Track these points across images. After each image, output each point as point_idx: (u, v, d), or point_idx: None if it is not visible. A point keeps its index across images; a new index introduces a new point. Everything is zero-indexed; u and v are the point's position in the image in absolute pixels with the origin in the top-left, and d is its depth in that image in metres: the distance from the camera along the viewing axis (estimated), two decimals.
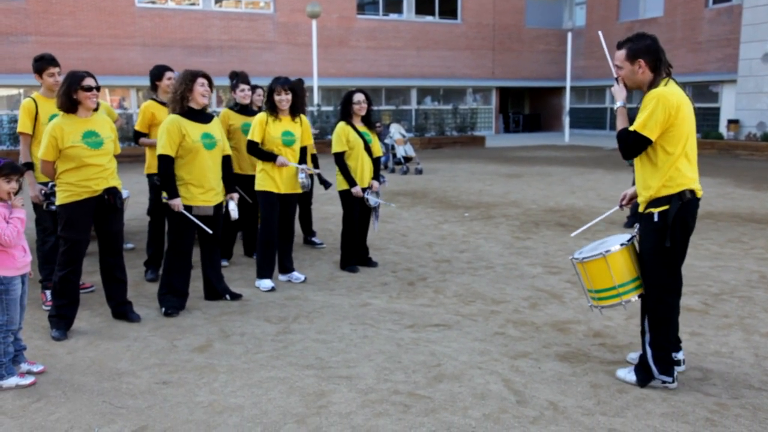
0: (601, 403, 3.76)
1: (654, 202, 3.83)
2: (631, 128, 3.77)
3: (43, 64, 5.66)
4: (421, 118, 25.37)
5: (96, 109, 4.96)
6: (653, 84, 3.84)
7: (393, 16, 26.56)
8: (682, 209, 3.79)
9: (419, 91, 27.33)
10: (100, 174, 4.88)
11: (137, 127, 6.49)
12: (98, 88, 4.89)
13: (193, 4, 23.37)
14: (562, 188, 12.58)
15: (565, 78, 25.86)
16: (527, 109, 32.11)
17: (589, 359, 4.40)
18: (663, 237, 3.80)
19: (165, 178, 5.23)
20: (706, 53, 23.84)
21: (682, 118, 3.73)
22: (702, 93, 24.07)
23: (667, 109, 3.68)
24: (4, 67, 20.06)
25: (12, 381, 4.02)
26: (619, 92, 3.97)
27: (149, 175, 6.47)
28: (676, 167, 3.77)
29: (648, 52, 3.81)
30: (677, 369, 4.06)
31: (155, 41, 22.16)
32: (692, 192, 3.81)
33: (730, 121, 20.68)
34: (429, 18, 27.20)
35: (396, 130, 15.80)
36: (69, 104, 4.80)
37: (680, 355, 4.12)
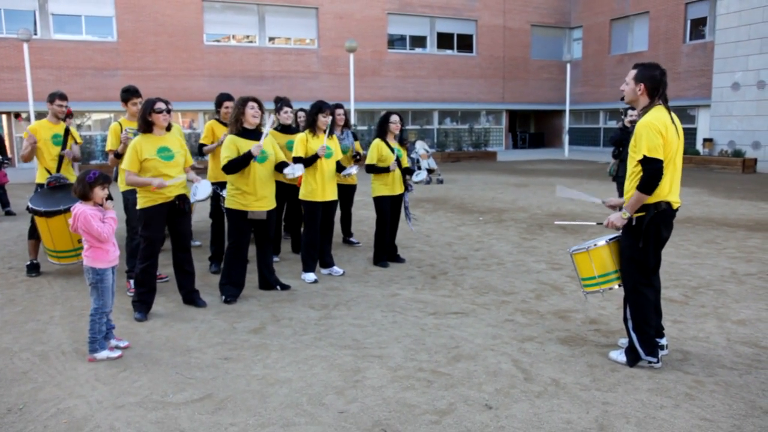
0: (596, 380, 3.71)
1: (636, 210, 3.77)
2: (639, 155, 3.63)
3: (128, 95, 5.82)
4: (442, 136, 25.28)
5: (169, 129, 5.03)
6: (646, 109, 3.77)
7: (418, 50, 26.50)
8: (656, 217, 3.73)
9: (440, 114, 27.21)
10: (174, 183, 4.95)
11: (202, 140, 6.56)
12: (169, 111, 4.94)
13: (251, 41, 23.57)
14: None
15: (564, 102, 25.62)
16: (533, 128, 31.79)
17: (586, 343, 4.35)
18: (637, 237, 3.76)
19: (238, 165, 5.18)
20: (684, 82, 23.50)
21: (668, 140, 3.65)
22: (681, 116, 23.68)
23: (657, 131, 3.60)
24: (98, 96, 20.47)
25: (104, 354, 4.09)
26: (618, 219, 3.81)
27: (212, 184, 6.49)
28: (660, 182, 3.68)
29: (650, 80, 3.73)
30: (661, 353, 4.00)
31: (219, 72, 22.40)
32: (668, 204, 3.74)
33: (705, 140, 20.48)
34: (449, 51, 27.09)
35: (420, 147, 15.73)
36: (145, 125, 4.89)
37: (663, 341, 4.05)
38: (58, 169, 6.37)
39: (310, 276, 6.02)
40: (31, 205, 6.02)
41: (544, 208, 10.76)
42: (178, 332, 4.60)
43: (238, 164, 5.20)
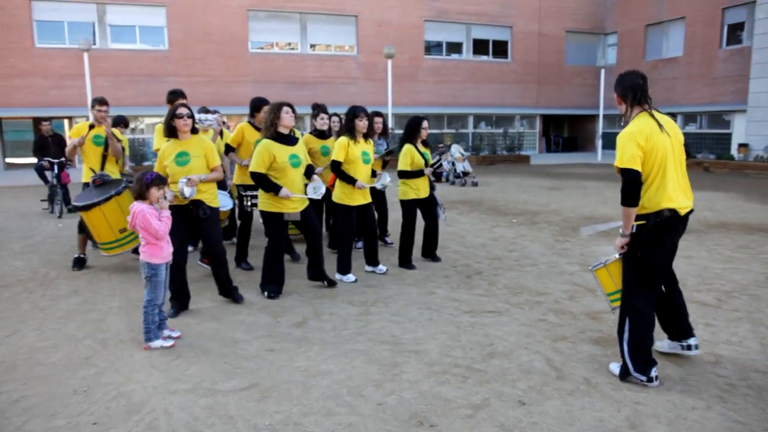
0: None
1: (636, 218, 3.56)
2: (615, 166, 3.50)
3: (174, 96, 6.04)
4: (477, 139, 25.16)
5: (195, 132, 4.99)
6: (627, 117, 3.58)
7: (454, 56, 26.40)
8: (657, 225, 3.50)
9: (475, 118, 27.06)
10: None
11: (229, 141, 6.47)
12: (191, 116, 4.91)
13: (293, 49, 23.85)
14: (595, 199, 12.26)
15: (598, 107, 25.18)
16: (566, 132, 31.33)
17: (618, 343, 4.29)
18: (636, 246, 3.55)
19: (263, 185, 5.23)
20: (721, 87, 22.78)
21: (651, 148, 3.43)
22: (716, 121, 23.04)
23: (634, 141, 3.41)
24: (151, 101, 20.94)
25: (158, 343, 4.22)
26: (621, 240, 3.65)
27: (237, 186, 6.54)
28: (653, 190, 3.48)
29: (621, 89, 3.58)
30: (690, 353, 3.90)
31: (263, 78, 22.72)
32: (671, 210, 3.49)
33: (741, 145, 19.88)
34: (484, 57, 26.91)
35: (456, 150, 15.70)
36: (169, 131, 4.93)
37: (693, 341, 3.90)
38: (102, 168, 6.60)
39: (349, 276, 6.01)
40: (74, 202, 6.25)
41: (577, 211, 10.62)
42: (225, 325, 4.72)
43: (265, 185, 5.22)
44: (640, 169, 3.43)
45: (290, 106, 5.35)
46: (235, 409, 3.33)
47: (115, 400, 3.45)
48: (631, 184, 3.44)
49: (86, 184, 6.58)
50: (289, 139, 5.34)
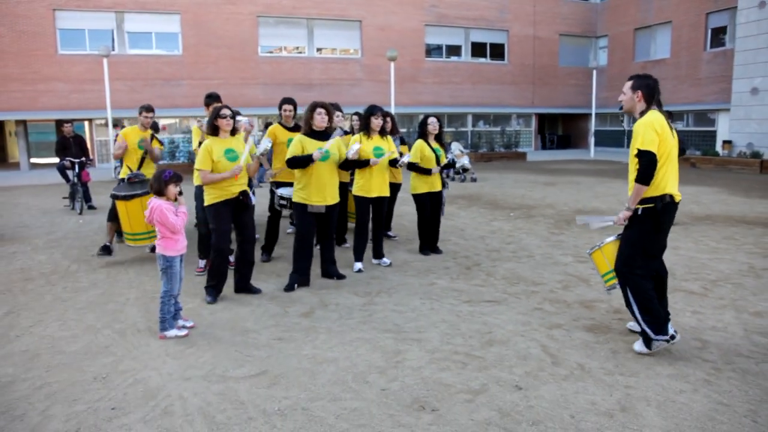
0: (619, 366, 3.66)
1: (640, 201, 3.72)
2: (635, 150, 3.65)
3: (211, 100, 6.11)
4: (476, 137, 25.04)
5: (234, 134, 5.09)
6: (643, 113, 3.77)
7: (453, 59, 26.26)
8: (663, 208, 3.69)
9: (474, 117, 26.92)
10: (236, 181, 5.02)
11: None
12: (233, 117, 5.02)
13: (300, 52, 23.76)
14: (588, 194, 12.20)
15: (591, 106, 25.05)
16: (560, 130, 31.14)
17: (610, 330, 4.28)
18: (647, 225, 3.71)
19: (299, 164, 5.33)
20: (705, 87, 22.61)
21: (664, 137, 3.65)
22: (702, 119, 22.88)
23: (653, 128, 3.62)
24: (167, 103, 20.89)
25: (172, 332, 4.22)
26: (623, 214, 3.79)
27: (271, 183, 6.58)
28: (660, 175, 3.66)
29: (646, 87, 3.79)
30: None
31: (272, 81, 22.65)
32: (671, 197, 3.71)
33: (725, 142, 19.80)
34: (482, 59, 26.76)
35: (456, 147, 15.58)
36: (212, 129, 4.99)
37: (669, 326, 3.94)
38: (139, 168, 6.81)
39: (357, 265, 6.03)
40: (113, 192, 6.34)
41: (571, 205, 10.57)
42: (236, 315, 4.71)
43: (299, 162, 5.32)
44: (657, 153, 3.61)
45: (324, 107, 5.48)
46: (246, 395, 3.32)
47: (132, 387, 3.44)
48: (649, 165, 3.61)
49: (122, 180, 6.70)
50: (321, 135, 5.48)
